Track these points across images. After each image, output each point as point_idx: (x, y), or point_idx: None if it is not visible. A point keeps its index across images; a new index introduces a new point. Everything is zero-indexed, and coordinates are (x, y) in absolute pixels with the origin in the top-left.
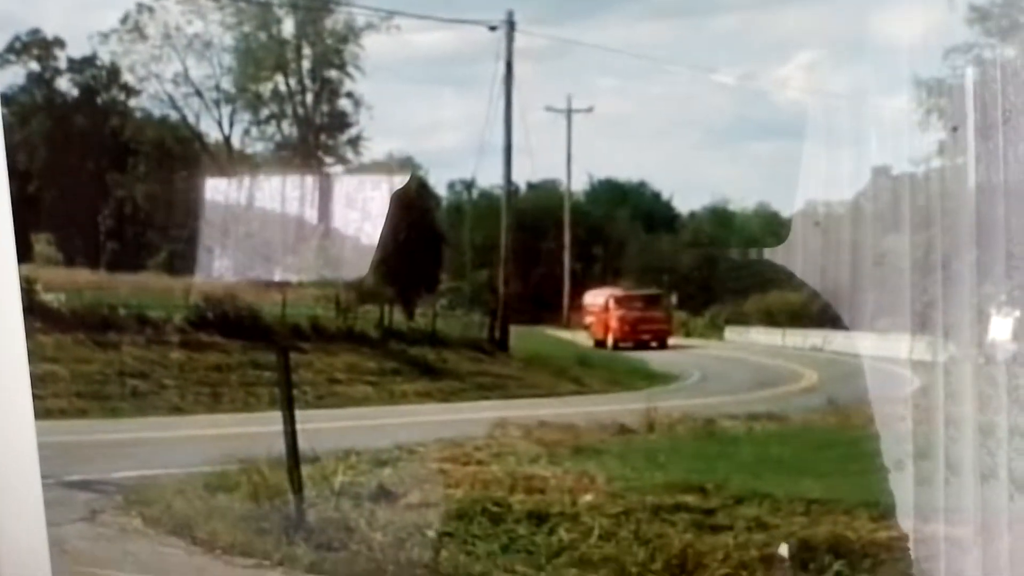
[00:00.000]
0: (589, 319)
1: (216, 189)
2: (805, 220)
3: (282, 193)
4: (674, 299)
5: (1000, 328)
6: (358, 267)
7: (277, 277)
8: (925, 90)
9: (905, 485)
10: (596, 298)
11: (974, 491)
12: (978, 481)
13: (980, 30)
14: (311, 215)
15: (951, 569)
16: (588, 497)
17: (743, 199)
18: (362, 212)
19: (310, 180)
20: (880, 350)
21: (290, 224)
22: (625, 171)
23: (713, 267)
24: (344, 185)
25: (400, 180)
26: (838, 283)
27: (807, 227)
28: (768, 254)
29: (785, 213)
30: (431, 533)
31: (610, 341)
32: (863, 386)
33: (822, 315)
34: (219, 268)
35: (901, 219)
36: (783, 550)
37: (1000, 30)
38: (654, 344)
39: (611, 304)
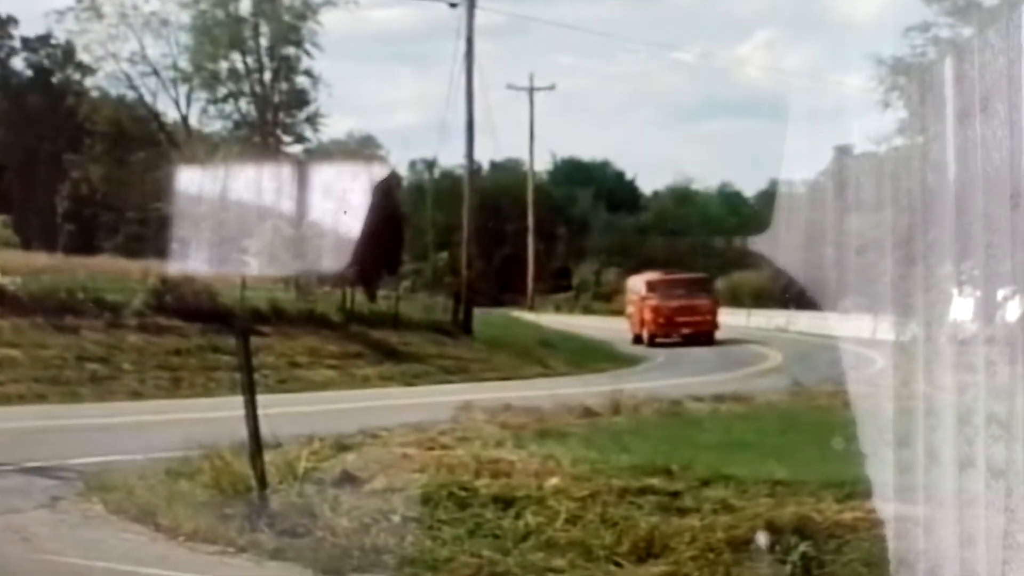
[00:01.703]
0: (630, 309)
1: (176, 174)
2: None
3: (240, 179)
4: (718, 284)
5: (961, 308)
6: (319, 254)
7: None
8: (885, 68)
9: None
10: (636, 283)
11: (952, 477)
12: (956, 467)
13: (938, 9)
14: (272, 201)
15: (929, 551)
16: (554, 480)
17: (705, 178)
18: (337, 199)
19: (269, 165)
20: (843, 330)
21: (250, 208)
22: (588, 150)
23: (677, 248)
24: (304, 170)
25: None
26: (800, 263)
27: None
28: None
29: (747, 192)
30: (396, 518)
31: (644, 336)
32: (826, 367)
33: (785, 296)
34: (179, 253)
35: (862, 199)
36: (760, 538)
37: (957, 9)
38: (702, 339)
39: (644, 290)
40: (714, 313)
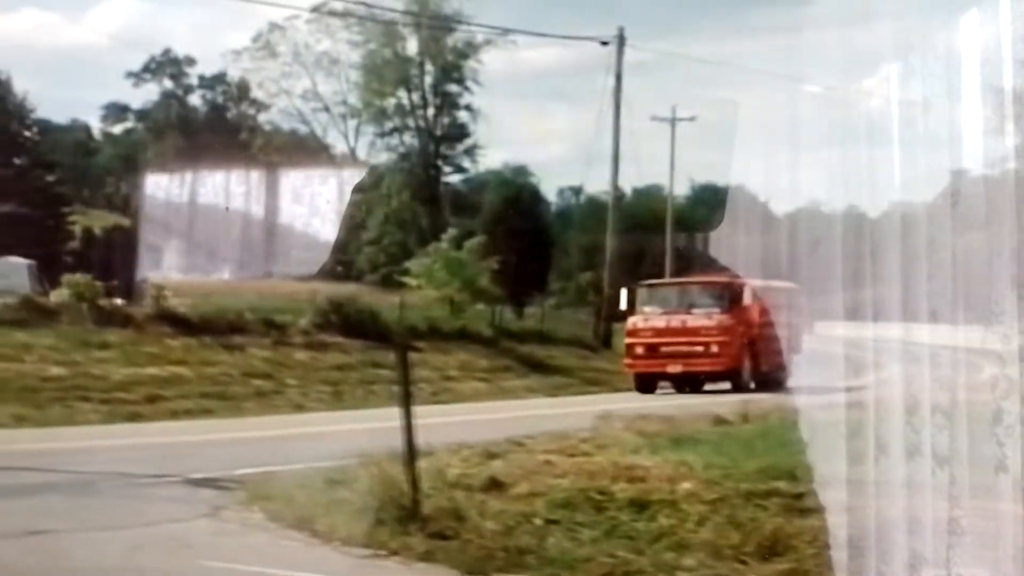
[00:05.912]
0: None
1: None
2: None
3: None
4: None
5: None
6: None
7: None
8: (1001, 97)
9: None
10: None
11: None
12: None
13: None
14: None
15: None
16: (686, 485)
17: (831, 201)
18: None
19: (429, 194)
20: (955, 341)
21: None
22: (723, 175)
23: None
24: (463, 198)
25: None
26: (918, 279)
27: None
28: (853, 253)
29: (872, 215)
30: (538, 521)
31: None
32: (943, 377)
33: (903, 308)
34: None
35: (977, 217)
36: None
37: None
38: (699, 382)
39: (625, 305)
40: (731, 342)
